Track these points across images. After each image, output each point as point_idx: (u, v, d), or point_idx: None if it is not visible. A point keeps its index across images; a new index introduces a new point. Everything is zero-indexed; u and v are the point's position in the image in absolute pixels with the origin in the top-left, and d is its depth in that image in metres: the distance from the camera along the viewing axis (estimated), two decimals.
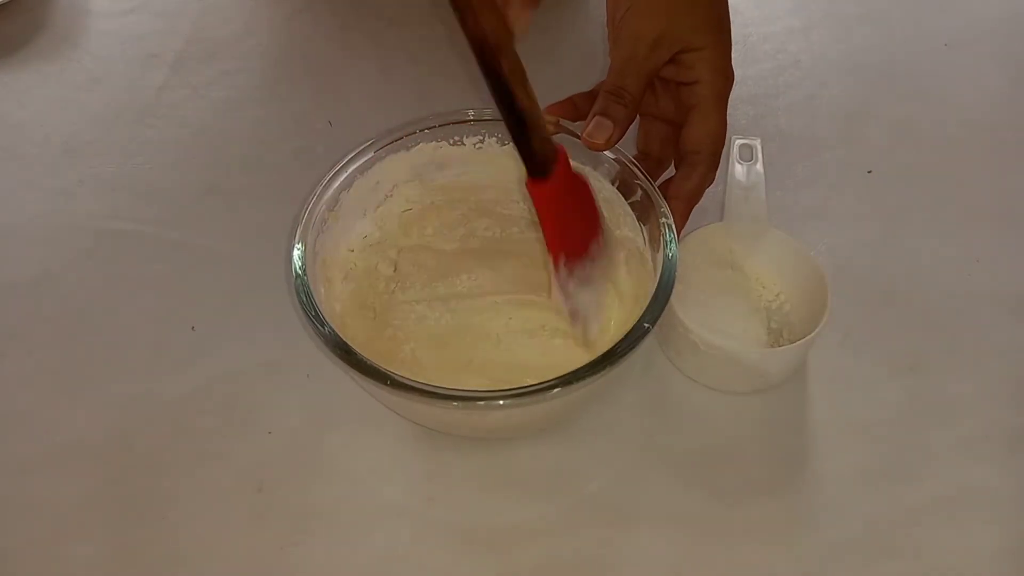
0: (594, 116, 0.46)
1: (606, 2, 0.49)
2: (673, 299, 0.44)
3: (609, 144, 0.46)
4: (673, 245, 0.45)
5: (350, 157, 0.49)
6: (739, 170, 0.54)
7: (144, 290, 0.55)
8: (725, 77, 0.48)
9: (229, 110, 0.65)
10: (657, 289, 0.44)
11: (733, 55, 0.48)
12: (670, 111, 0.50)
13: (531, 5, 0.37)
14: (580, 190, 0.44)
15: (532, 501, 0.46)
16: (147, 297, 0.55)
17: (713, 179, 0.49)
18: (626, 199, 0.50)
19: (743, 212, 0.52)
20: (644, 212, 0.48)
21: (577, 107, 0.49)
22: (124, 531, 0.45)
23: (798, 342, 0.46)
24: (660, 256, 0.45)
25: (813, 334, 0.46)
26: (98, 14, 0.72)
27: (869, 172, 0.61)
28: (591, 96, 0.49)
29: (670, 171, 0.51)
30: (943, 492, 0.46)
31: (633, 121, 0.48)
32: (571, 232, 0.43)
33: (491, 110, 0.52)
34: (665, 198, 0.47)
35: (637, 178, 0.48)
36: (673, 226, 0.46)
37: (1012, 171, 0.61)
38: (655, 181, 0.49)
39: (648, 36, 0.46)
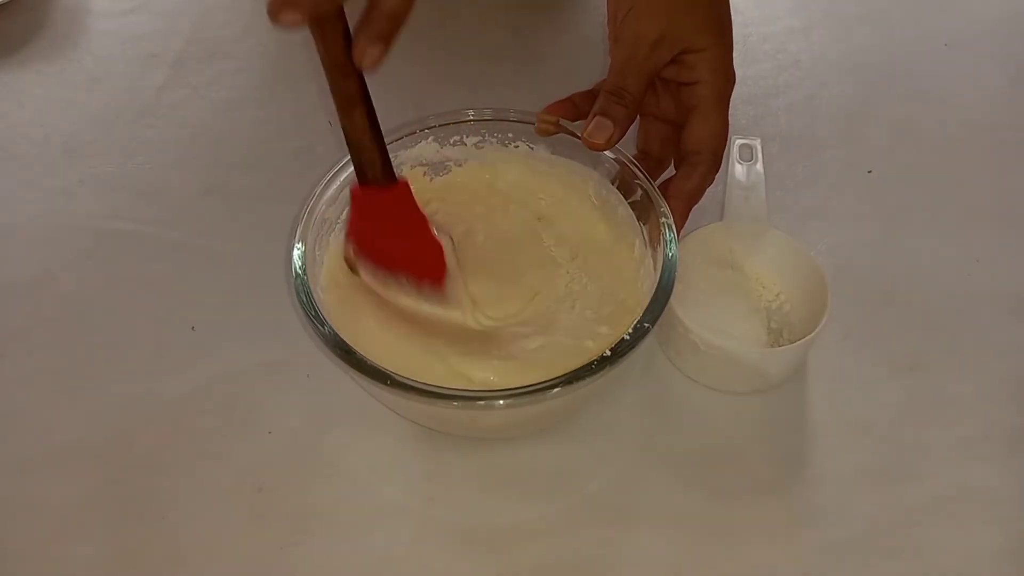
0: (594, 116, 0.46)
1: (607, 2, 0.49)
2: (673, 299, 0.44)
3: (609, 144, 0.46)
4: (673, 245, 0.45)
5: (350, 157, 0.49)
6: (739, 170, 0.54)
7: (144, 290, 0.55)
8: (726, 78, 0.48)
9: (229, 110, 0.65)
10: (657, 289, 0.44)
11: (734, 55, 0.48)
12: (671, 111, 0.50)
13: (381, 42, 0.37)
14: (399, 218, 0.45)
15: (532, 501, 0.46)
16: (147, 297, 0.55)
17: (713, 180, 0.49)
18: (626, 199, 0.50)
19: (743, 212, 0.52)
20: (644, 212, 0.48)
21: (577, 106, 0.49)
22: (124, 531, 0.45)
23: (798, 342, 0.46)
24: (660, 256, 0.45)
25: (813, 334, 0.46)
26: (98, 14, 0.72)
27: (869, 172, 0.61)
28: (591, 95, 0.49)
29: (670, 171, 0.51)
30: (943, 492, 0.46)
31: (633, 121, 0.48)
32: (372, 241, 0.46)
33: (491, 110, 0.52)
34: (665, 197, 0.47)
35: (637, 178, 0.48)
36: (673, 226, 0.46)
37: (1012, 171, 0.61)
38: (655, 181, 0.49)
39: (649, 36, 0.46)
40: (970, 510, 0.46)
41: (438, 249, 0.46)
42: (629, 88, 0.46)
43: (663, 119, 0.51)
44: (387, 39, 0.37)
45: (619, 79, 0.46)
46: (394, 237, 0.45)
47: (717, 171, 0.49)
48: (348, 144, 0.42)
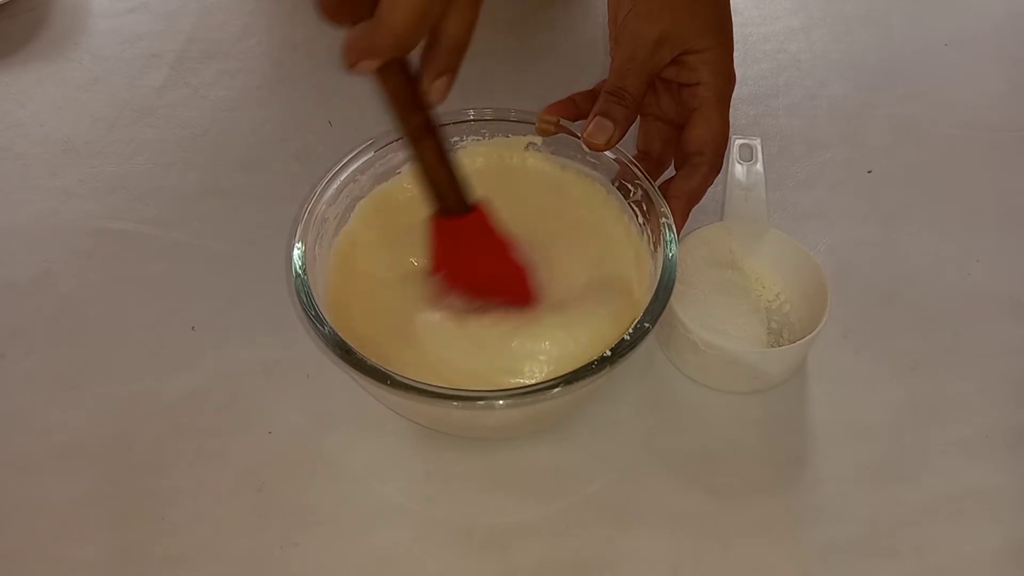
0: (594, 116, 0.46)
1: (608, 2, 0.49)
2: (673, 299, 0.44)
3: (609, 145, 0.46)
4: (673, 245, 0.45)
5: (350, 157, 0.49)
6: (739, 170, 0.54)
7: (144, 290, 0.55)
8: (727, 79, 0.48)
9: (229, 110, 0.65)
10: (657, 289, 0.44)
11: (733, 55, 0.48)
12: (671, 112, 0.50)
13: (447, 74, 0.39)
14: (484, 244, 0.45)
15: (532, 501, 0.46)
16: (147, 297, 0.55)
17: (714, 180, 0.49)
18: (626, 199, 0.50)
19: (743, 212, 0.52)
20: (644, 212, 0.48)
21: (578, 106, 0.49)
22: (124, 531, 0.45)
23: (798, 342, 0.46)
24: (660, 256, 0.46)
25: (813, 334, 0.46)
26: (98, 14, 0.72)
27: (869, 172, 0.61)
28: (591, 95, 0.49)
29: (670, 171, 0.51)
30: (943, 492, 0.46)
31: (633, 122, 0.48)
32: (459, 271, 0.45)
33: (491, 110, 0.52)
34: (665, 198, 0.47)
35: (637, 178, 0.48)
36: (673, 226, 0.46)
37: (1012, 171, 0.61)
38: (655, 181, 0.49)
39: (650, 37, 0.46)
40: (970, 510, 0.46)
41: (522, 272, 0.46)
42: (629, 89, 0.46)
43: (663, 119, 0.51)
44: (453, 71, 0.39)
45: (619, 80, 0.46)
46: (479, 265, 0.45)
47: (718, 172, 0.49)
48: (423, 176, 0.42)
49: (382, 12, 0.35)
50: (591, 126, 0.46)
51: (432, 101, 0.39)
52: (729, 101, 0.48)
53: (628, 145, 0.50)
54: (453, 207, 0.43)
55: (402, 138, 0.41)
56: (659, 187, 0.48)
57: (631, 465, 0.47)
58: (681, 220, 0.48)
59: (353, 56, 0.36)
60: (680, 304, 0.47)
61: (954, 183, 0.61)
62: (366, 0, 0.35)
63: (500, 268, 0.45)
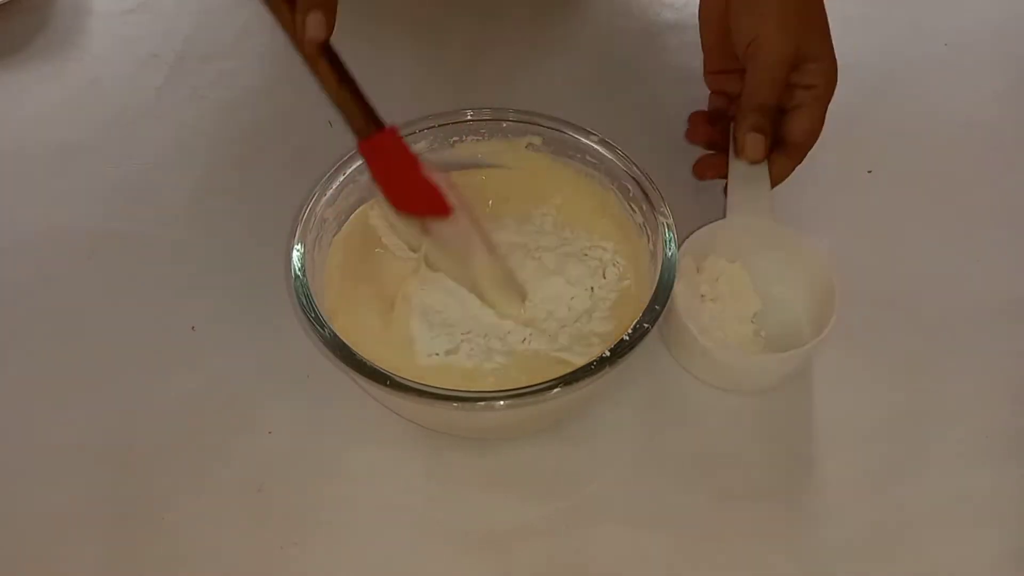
0: (747, 132, 0.51)
1: (705, 6, 0.54)
2: (678, 300, 0.44)
3: (766, 155, 0.51)
4: (673, 245, 0.46)
5: (350, 157, 0.49)
6: (741, 167, 0.54)
7: (144, 290, 0.55)
8: (834, 83, 0.52)
9: (229, 110, 0.65)
10: (657, 289, 0.44)
11: None
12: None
13: (319, 10, 0.40)
14: (395, 163, 0.46)
15: (532, 501, 0.46)
16: (147, 297, 0.55)
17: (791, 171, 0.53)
18: (625, 199, 0.50)
19: (748, 209, 0.52)
20: (644, 212, 0.48)
21: (700, 130, 0.56)
22: (124, 531, 0.45)
23: (806, 345, 0.46)
24: (660, 256, 0.46)
25: (822, 336, 0.46)
26: (98, 14, 0.72)
27: (869, 172, 0.61)
28: (709, 116, 0.56)
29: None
30: (943, 494, 0.46)
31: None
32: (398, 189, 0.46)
33: (490, 110, 0.52)
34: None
35: (637, 178, 0.48)
36: (673, 226, 0.46)
37: (1012, 171, 0.61)
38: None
39: (788, 53, 0.50)
40: (970, 513, 0.46)
41: (435, 187, 0.46)
42: (769, 101, 0.51)
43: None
44: (325, 5, 0.40)
45: (761, 96, 0.50)
46: (400, 182, 0.46)
47: (801, 160, 0.53)
48: (331, 99, 0.43)
49: None
50: (748, 142, 0.50)
51: (309, 36, 0.40)
52: (830, 101, 0.52)
53: (628, 145, 0.50)
54: (361, 128, 0.44)
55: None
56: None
57: (631, 465, 0.47)
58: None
59: None
60: (685, 304, 0.47)
61: (954, 183, 0.61)
62: None
63: (417, 183, 0.46)
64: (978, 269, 0.56)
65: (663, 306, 0.43)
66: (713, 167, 0.54)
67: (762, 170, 0.53)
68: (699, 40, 0.56)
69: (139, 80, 0.67)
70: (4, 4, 0.71)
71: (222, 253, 0.56)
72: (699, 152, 0.56)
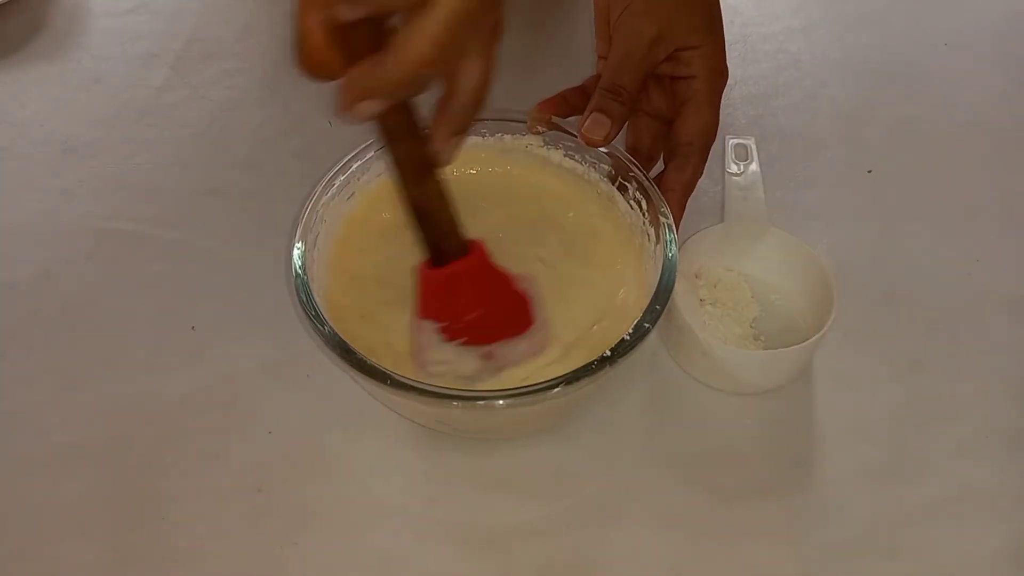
0: (591, 112, 0.47)
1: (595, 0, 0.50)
2: (678, 301, 0.44)
3: (606, 140, 0.47)
4: (673, 246, 0.45)
5: (350, 157, 0.49)
6: (736, 171, 0.54)
7: (144, 290, 0.55)
8: (720, 74, 0.49)
9: (229, 110, 0.65)
10: (657, 290, 0.44)
11: (733, 55, 0.48)
12: (662, 107, 0.51)
13: (460, 135, 0.37)
14: (483, 283, 0.43)
15: (532, 501, 0.46)
16: (147, 297, 0.55)
17: (703, 171, 0.49)
18: (625, 200, 0.50)
19: (743, 213, 0.52)
20: (644, 212, 0.48)
21: (569, 103, 0.50)
22: (124, 531, 0.45)
23: (806, 342, 0.46)
24: (660, 257, 0.45)
25: (820, 333, 0.46)
26: (98, 14, 0.72)
27: (869, 172, 0.61)
28: (582, 92, 0.49)
29: (658, 169, 0.52)
30: (943, 492, 0.46)
31: (628, 118, 0.48)
32: (457, 317, 0.43)
33: (490, 110, 0.52)
34: (660, 191, 0.48)
35: (637, 177, 0.48)
36: (673, 226, 0.46)
37: (1012, 171, 0.61)
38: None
39: (647, 35, 0.47)
40: (970, 510, 0.46)
41: (526, 302, 0.44)
42: (626, 85, 0.47)
43: (653, 115, 0.51)
44: (465, 132, 0.37)
45: (615, 76, 0.47)
46: (482, 305, 0.43)
47: (705, 163, 0.49)
48: (418, 217, 0.39)
49: (396, 43, 0.32)
50: (588, 122, 0.47)
51: (441, 162, 0.37)
52: (720, 96, 0.49)
53: (623, 143, 0.50)
54: (453, 251, 0.41)
55: (401, 183, 0.38)
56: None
57: (631, 465, 0.47)
58: (679, 211, 0.48)
59: (353, 94, 0.33)
60: (685, 306, 0.47)
61: (954, 183, 0.61)
62: (364, 40, 0.32)
63: (506, 304, 0.44)
64: (978, 268, 0.56)
65: (663, 306, 0.43)
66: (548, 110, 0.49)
67: (755, 174, 0.54)
68: None
69: (139, 80, 0.67)
70: (4, 4, 0.71)
71: (222, 253, 0.56)
72: None
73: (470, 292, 0.42)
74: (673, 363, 0.51)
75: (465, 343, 0.43)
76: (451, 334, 0.43)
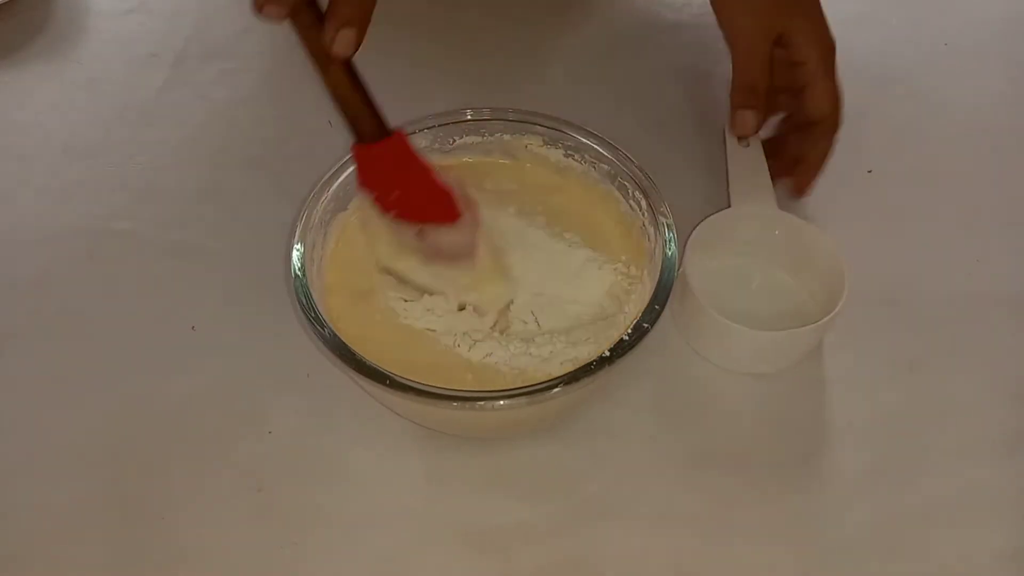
0: (735, 111, 0.52)
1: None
2: (693, 282, 0.44)
3: (755, 130, 0.53)
4: (673, 245, 0.46)
5: (350, 157, 0.49)
6: (739, 156, 0.54)
7: (144, 290, 0.55)
8: (828, 47, 0.53)
9: (229, 110, 0.65)
10: (656, 289, 0.44)
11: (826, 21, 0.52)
12: (783, 81, 0.54)
13: (350, 26, 0.39)
14: (401, 168, 0.45)
15: (532, 501, 0.46)
16: (147, 297, 0.55)
17: (836, 138, 0.54)
18: (625, 199, 0.50)
19: (750, 197, 0.53)
20: (644, 211, 0.48)
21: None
22: (124, 531, 0.45)
23: (820, 321, 0.47)
24: (660, 256, 0.45)
25: (833, 312, 0.47)
26: (98, 14, 0.72)
27: (869, 172, 0.61)
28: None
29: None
30: (943, 493, 0.46)
31: (767, 106, 0.53)
32: (392, 194, 0.46)
33: (489, 110, 0.52)
34: (800, 161, 0.54)
35: (637, 177, 0.48)
36: (673, 225, 0.46)
37: (1012, 171, 0.61)
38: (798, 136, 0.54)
39: (758, 32, 0.52)
40: (970, 511, 0.46)
41: (448, 193, 0.45)
42: (757, 81, 0.52)
43: (780, 88, 0.55)
44: (357, 23, 0.40)
45: (746, 75, 0.52)
46: (402, 188, 0.45)
47: (839, 128, 0.54)
48: (338, 104, 0.42)
49: None
50: (736, 119, 0.52)
51: (336, 52, 0.40)
52: (834, 65, 0.53)
53: (628, 144, 0.50)
54: (370, 133, 0.43)
55: (316, 72, 0.42)
56: (785, 149, 0.54)
57: (631, 465, 0.48)
58: (814, 180, 0.55)
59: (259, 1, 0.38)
60: (701, 287, 0.48)
61: (954, 183, 0.61)
62: None
63: (427, 187, 0.45)
64: (978, 268, 0.56)
65: (663, 306, 0.43)
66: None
67: (760, 158, 0.54)
68: (698, 40, 0.57)
69: (139, 80, 0.67)
70: (4, 4, 0.71)
71: (222, 253, 0.56)
72: (696, 150, 0.56)
73: (389, 170, 0.44)
74: (673, 363, 0.51)
75: (396, 217, 0.45)
76: (383, 206, 0.45)
